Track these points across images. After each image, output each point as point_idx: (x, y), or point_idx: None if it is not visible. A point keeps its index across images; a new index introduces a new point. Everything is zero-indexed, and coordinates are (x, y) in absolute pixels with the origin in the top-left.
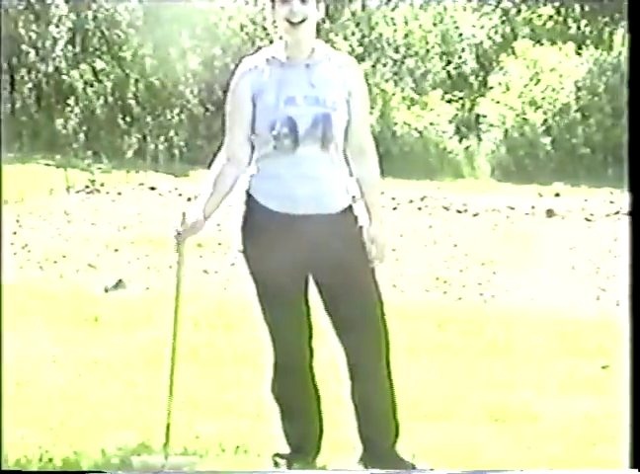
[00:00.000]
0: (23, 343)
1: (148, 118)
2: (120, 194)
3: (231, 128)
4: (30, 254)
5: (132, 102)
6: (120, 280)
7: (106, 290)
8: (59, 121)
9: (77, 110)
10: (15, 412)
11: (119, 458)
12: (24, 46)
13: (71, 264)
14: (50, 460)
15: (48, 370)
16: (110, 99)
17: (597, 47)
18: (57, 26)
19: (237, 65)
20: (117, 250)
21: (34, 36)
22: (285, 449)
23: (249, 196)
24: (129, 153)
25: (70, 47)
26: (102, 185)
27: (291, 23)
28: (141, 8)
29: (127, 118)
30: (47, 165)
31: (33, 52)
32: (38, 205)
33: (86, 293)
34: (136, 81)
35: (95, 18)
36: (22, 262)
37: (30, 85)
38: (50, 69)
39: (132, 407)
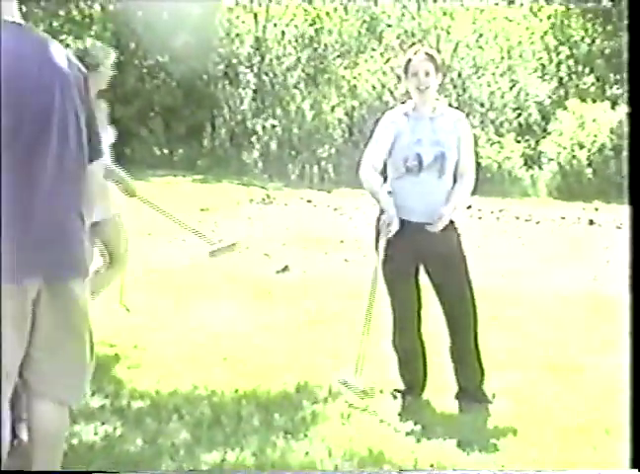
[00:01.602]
0: (214, 311)
1: (306, 153)
2: (286, 205)
3: (374, 152)
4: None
5: (295, 140)
6: (286, 266)
7: (276, 273)
8: (245, 154)
9: (257, 146)
10: (213, 356)
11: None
12: (222, 103)
13: (252, 253)
14: (236, 391)
15: (233, 331)
16: (280, 139)
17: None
18: (244, 88)
19: (369, 114)
20: (284, 244)
21: (228, 95)
22: (401, 386)
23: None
24: (293, 176)
25: (253, 103)
26: (274, 198)
27: (419, 90)
28: (303, 75)
29: (292, 152)
30: (237, 184)
31: (226, 108)
32: (229, 213)
33: (262, 275)
34: (299, 126)
35: (271, 82)
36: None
37: (224, 129)
38: (239, 118)
39: (296, 356)
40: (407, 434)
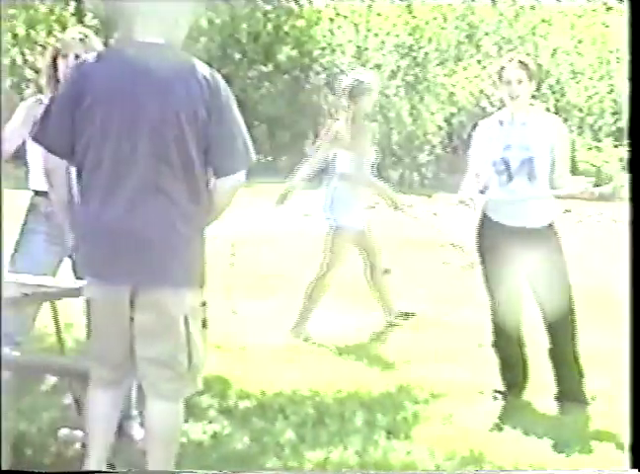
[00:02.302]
0: (317, 313)
1: (407, 159)
2: (387, 209)
3: (472, 160)
4: None
5: (395, 147)
6: (387, 269)
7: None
8: None
9: None
10: (317, 357)
11: None
12: (324, 112)
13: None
14: (339, 391)
15: (335, 332)
16: (380, 145)
17: None
18: None
19: (467, 120)
20: (385, 248)
21: (330, 104)
22: (501, 388)
23: (484, 214)
24: (393, 182)
25: None
26: (376, 203)
27: (511, 97)
28: (403, 83)
29: (392, 158)
30: None
31: (329, 118)
32: None
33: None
34: (399, 132)
35: None
36: None
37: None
38: None
39: (397, 357)
40: (507, 434)
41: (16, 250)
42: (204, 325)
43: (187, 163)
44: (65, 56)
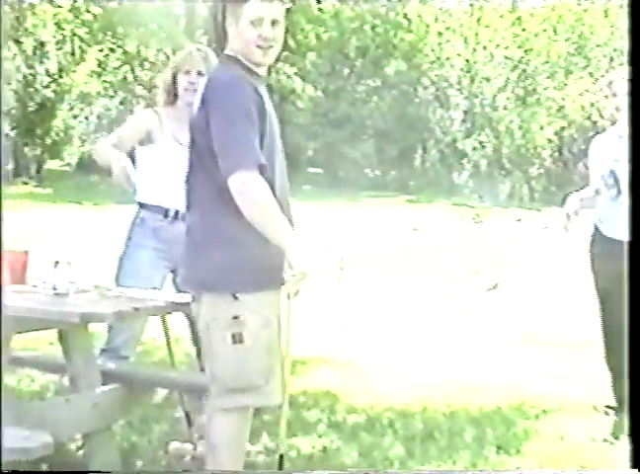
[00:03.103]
0: (426, 328)
1: (517, 172)
2: (495, 224)
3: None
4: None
5: (505, 160)
6: (496, 284)
7: (487, 290)
8: (455, 175)
9: (467, 166)
10: (425, 372)
11: None
12: (431, 125)
13: (462, 272)
14: (449, 406)
15: (444, 347)
16: (490, 159)
17: None
18: (454, 110)
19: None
20: (494, 262)
21: (438, 118)
22: (613, 403)
23: (596, 228)
24: (503, 195)
25: (463, 124)
26: (480, 216)
27: (619, 110)
28: (512, 96)
29: (502, 172)
30: (447, 204)
31: (437, 130)
32: (439, 232)
33: (472, 292)
34: (508, 146)
35: (481, 103)
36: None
37: (435, 151)
38: (449, 139)
39: (508, 373)
40: (620, 450)
41: (122, 264)
42: (236, 339)
43: None
44: (187, 72)
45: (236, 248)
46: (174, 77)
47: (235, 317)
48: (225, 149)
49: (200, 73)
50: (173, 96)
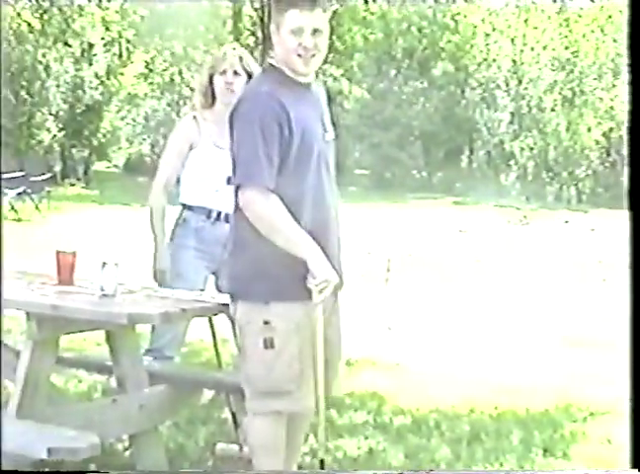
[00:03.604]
0: (471, 330)
1: (564, 174)
2: (543, 226)
3: None
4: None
5: (552, 162)
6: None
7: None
8: (502, 176)
9: (515, 168)
10: (472, 374)
11: None
12: (478, 127)
13: (508, 274)
14: (496, 408)
15: (489, 350)
16: (537, 161)
17: None
18: (502, 111)
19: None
20: (540, 265)
21: (485, 119)
22: None
23: None
24: (550, 197)
25: (510, 126)
26: (527, 218)
27: None
28: (559, 97)
29: (549, 173)
30: (494, 206)
31: (484, 131)
32: (486, 234)
33: (516, 295)
34: (555, 148)
35: (528, 104)
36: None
37: (482, 152)
38: (497, 141)
39: (556, 375)
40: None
41: (154, 264)
42: (267, 344)
43: None
44: (224, 73)
45: (268, 256)
46: (210, 79)
47: (266, 322)
48: (236, 163)
49: (236, 73)
50: (211, 98)
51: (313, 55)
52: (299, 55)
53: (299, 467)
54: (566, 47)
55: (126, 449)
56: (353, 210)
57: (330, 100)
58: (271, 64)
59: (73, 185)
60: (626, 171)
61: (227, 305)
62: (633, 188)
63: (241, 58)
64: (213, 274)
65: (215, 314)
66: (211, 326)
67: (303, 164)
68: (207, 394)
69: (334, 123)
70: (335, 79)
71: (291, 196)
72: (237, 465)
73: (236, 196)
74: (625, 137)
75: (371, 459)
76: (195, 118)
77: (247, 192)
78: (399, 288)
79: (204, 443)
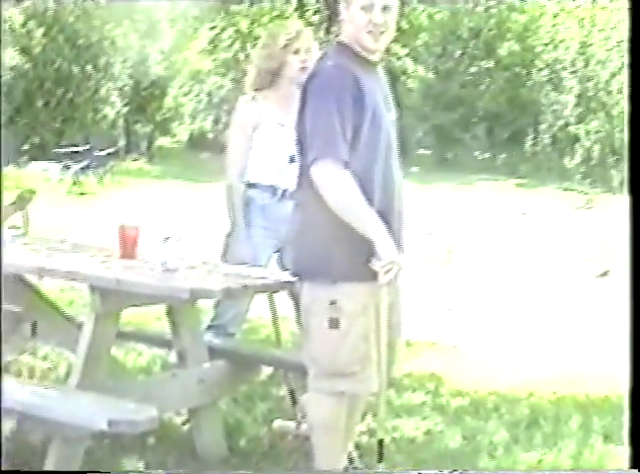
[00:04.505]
0: (532, 314)
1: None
2: (607, 210)
3: None
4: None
5: (618, 145)
6: (606, 271)
7: (596, 277)
8: (567, 159)
9: (580, 151)
10: (532, 357)
11: None
12: (543, 108)
13: (572, 258)
14: (555, 392)
15: (551, 336)
16: (603, 144)
17: None
18: (568, 93)
19: None
20: (605, 249)
21: (551, 101)
22: None
23: None
24: (615, 182)
25: (576, 109)
26: (591, 202)
27: None
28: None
29: (615, 157)
30: (558, 189)
31: (549, 113)
32: (549, 217)
33: (582, 279)
34: (621, 131)
35: (595, 87)
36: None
37: (547, 135)
38: (562, 123)
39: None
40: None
41: (230, 241)
42: (333, 324)
43: None
44: (296, 52)
45: (335, 236)
46: (279, 57)
47: (332, 302)
48: (311, 138)
49: (308, 51)
50: (276, 77)
51: (382, 32)
52: (369, 32)
53: (356, 446)
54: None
55: (184, 424)
56: (414, 191)
57: (393, 79)
58: (340, 41)
59: (136, 160)
60: None
61: (289, 283)
62: (633, 185)
63: (309, 37)
64: (277, 251)
65: (276, 291)
66: (271, 303)
67: (373, 141)
68: (266, 371)
69: (397, 104)
70: (399, 58)
71: (362, 173)
72: (294, 442)
73: (302, 173)
74: None
75: (429, 440)
76: (254, 98)
77: (323, 165)
78: (460, 270)
79: (262, 420)
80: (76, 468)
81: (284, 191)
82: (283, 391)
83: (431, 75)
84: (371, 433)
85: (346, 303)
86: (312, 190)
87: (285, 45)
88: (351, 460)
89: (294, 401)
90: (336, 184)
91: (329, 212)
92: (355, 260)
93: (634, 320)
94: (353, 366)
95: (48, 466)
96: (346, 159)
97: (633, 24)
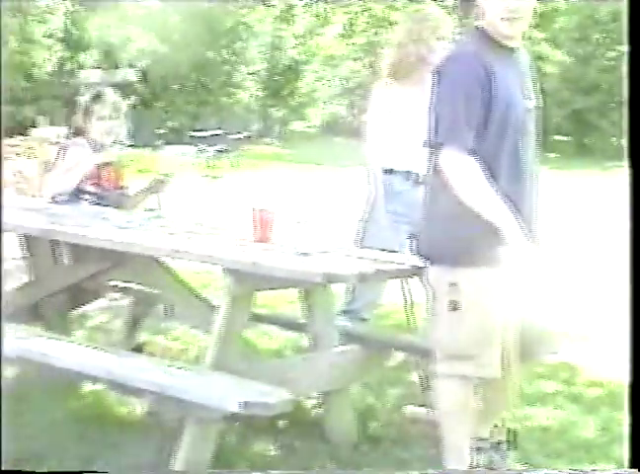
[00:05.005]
0: None
1: None
2: None
3: None
4: None
5: None
6: None
7: None
8: None
9: None
10: None
11: None
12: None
13: None
14: None
15: None
16: None
17: None
18: None
19: None
20: None
21: None
22: None
23: None
24: None
25: None
26: None
27: None
28: None
29: None
30: None
31: None
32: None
33: None
34: None
35: None
36: None
37: None
38: None
39: None
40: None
41: (363, 226)
42: (453, 306)
43: None
44: (441, 39)
45: (461, 219)
46: (426, 43)
47: (453, 284)
48: (438, 124)
49: (439, 38)
50: (419, 62)
51: (519, 18)
52: (506, 18)
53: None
54: None
55: (315, 407)
56: (552, 177)
57: (532, 65)
58: (477, 27)
59: (270, 144)
60: None
61: (421, 268)
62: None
63: (450, 24)
64: (412, 236)
65: (410, 277)
66: (405, 288)
67: (501, 129)
68: (398, 356)
69: (540, 91)
70: (536, 43)
71: (489, 160)
72: (425, 429)
73: (433, 156)
74: None
75: (562, 430)
76: (390, 83)
77: (447, 151)
78: (594, 258)
79: (393, 406)
80: (209, 450)
81: (418, 176)
82: (415, 377)
83: (568, 59)
84: (501, 421)
85: (466, 286)
86: (439, 174)
87: (433, 32)
88: (479, 449)
89: (426, 387)
90: (460, 170)
91: (454, 197)
92: (478, 244)
93: (634, 321)
94: (472, 349)
95: (183, 447)
96: (471, 146)
97: (633, 22)
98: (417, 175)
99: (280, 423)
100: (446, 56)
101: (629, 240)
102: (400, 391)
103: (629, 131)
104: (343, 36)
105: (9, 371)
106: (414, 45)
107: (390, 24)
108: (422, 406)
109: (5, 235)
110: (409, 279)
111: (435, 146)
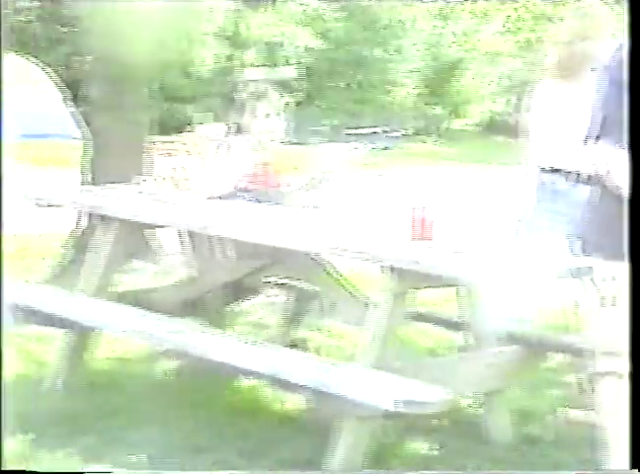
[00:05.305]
0: None
1: None
2: None
3: None
4: None
5: None
6: None
7: None
8: None
9: None
10: None
11: None
12: None
13: None
14: None
15: None
16: None
17: None
18: None
19: None
20: None
21: None
22: None
23: None
24: None
25: None
26: None
27: None
28: None
29: None
30: None
31: None
32: None
33: None
34: None
35: None
36: None
37: None
38: None
39: None
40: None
41: (522, 226)
42: (607, 302)
43: None
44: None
45: (615, 215)
46: (598, 41)
47: (613, 279)
48: (606, 124)
49: (604, 35)
50: (588, 60)
51: None
52: None
53: None
54: None
55: (471, 407)
56: None
57: None
58: None
59: (429, 142)
60: None
61: (583, 268)
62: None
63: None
64: (573, 236)
65: (572, 276)
66: (567, 288)
67: None
68: (554, 357)
69: None
70: None
71: None
72: (584, 431)
73: (600, 155)
74: None
75: None
76: (554, 82)
77: (616, 151)
78: None
79: (550, 408)
80: (363, 447)
81: (579, 175)
82: (572, 379)
83: None
84: None
85: (622, 280)
86: (608, 174)
87: (597, 28)
88: None
89: (584, 389)
90: (614, 164)
91: (609, 192)
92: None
93: (633, 320)
94: (624, 345)
95: (341, 444)
96: (622, 142)
97: (633, 22)
98: (580, 174)
99: (435, 422)
100: (613, 54)
101: (628, 239)
102: (558, 393)
103: (629, 131)
104: (503, 33)
105: (170, 364)
106: (580, 43)
107: (549, 19)
108: (579, 408)
109: (165, 230)
110: (571, 280)
111: (602, 146)
